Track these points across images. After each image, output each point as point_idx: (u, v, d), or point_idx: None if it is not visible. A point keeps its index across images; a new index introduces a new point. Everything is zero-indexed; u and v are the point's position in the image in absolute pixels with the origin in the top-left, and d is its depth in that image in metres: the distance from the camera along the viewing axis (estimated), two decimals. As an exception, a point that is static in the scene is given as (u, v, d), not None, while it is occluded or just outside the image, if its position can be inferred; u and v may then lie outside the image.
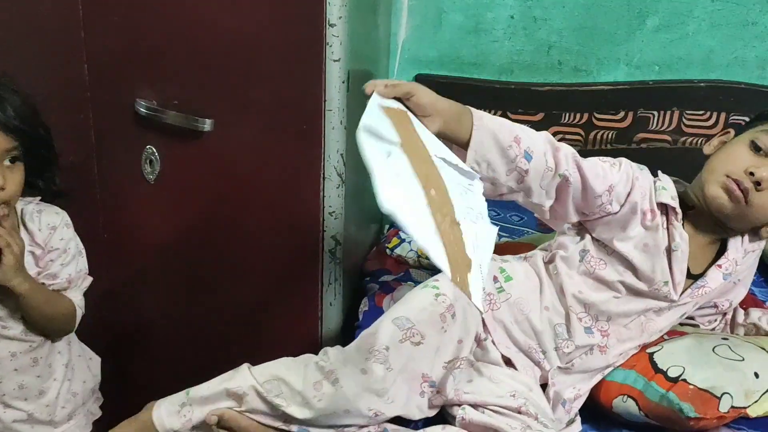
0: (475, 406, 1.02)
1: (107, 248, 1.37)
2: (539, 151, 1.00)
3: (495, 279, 1.13)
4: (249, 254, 1.31)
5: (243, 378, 1.05)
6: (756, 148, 1.06)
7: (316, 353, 1.36)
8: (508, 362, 1.10)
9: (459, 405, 1.03)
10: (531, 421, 0.99)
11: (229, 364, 1.39)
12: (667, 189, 1.09)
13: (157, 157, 1.27)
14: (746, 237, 1.14)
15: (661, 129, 1.66)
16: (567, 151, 1.03)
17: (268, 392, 1.02)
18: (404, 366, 0.99)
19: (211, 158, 1.25)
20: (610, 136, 1.67)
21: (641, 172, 1.10)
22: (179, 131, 1.22)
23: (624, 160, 1.10)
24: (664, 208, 1.09)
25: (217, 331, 1.40)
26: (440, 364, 1.03)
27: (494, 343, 1.09)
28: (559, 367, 1.11)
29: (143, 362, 1.47)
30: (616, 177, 1.07)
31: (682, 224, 1.09)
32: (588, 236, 1.13)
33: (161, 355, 1.45)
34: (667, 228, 1.08)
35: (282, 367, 1.06)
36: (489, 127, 0.98)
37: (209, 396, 1.05)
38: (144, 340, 1.44)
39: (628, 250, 1.08)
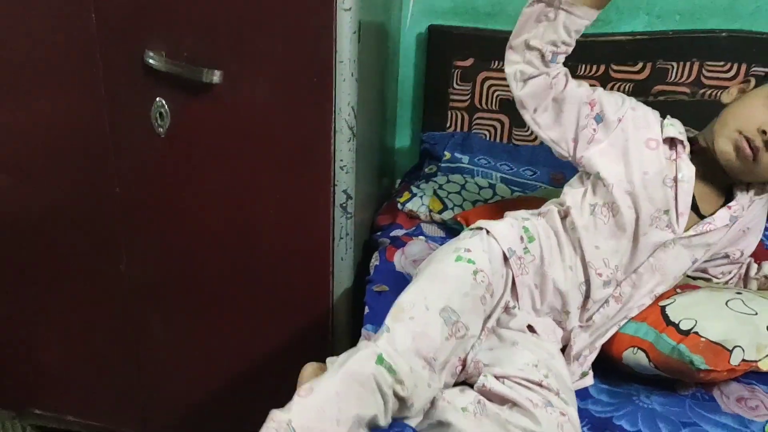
0: (495, 376, 1.00)
1: (121, 202, 1.37)
2: None
3: (521, 239, 1.11)
4: (259, 208, 1.31)
5: None
6: None
7: (328, 309, 1.38)
8: (530, 328, 1.09)
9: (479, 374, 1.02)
10: (552, 397, 0.97)
11: (238, 317, 1.42)
12: (674, 125, 1.13)
13: (167, 111, 1.26)
14: (754, 187, 1.14)
15: (680, 81, 1.62)
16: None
17: None
18: (447, 359, 0.99)
19: (221, 111, 1.23)
20: (627, 88, 1.63)
21: (640, 106, 1.15)
22: (189, 84, 1.20)
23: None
24: (672, 143, 1.11)
25: (227, 287, 1.41)
26: (472, 342, 1.03)
27: (520, 309, 1.09)
28: (580, 326, 1.11)
29: (156, 314, 1.49)
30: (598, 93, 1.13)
31: (690, 158, 1.11)
32: (590, 187, 1.13)
33: (176, 312, 1.47)
34: (675, 160, 1.10)
35: (353, 402, 0.90)
36: None
37: None
38: (157, 291, 1.46)
39: (628, 177, 1.10)
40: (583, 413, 1.01)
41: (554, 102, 1.11)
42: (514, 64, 1.10)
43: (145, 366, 1.54)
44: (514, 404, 0.96)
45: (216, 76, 1.18)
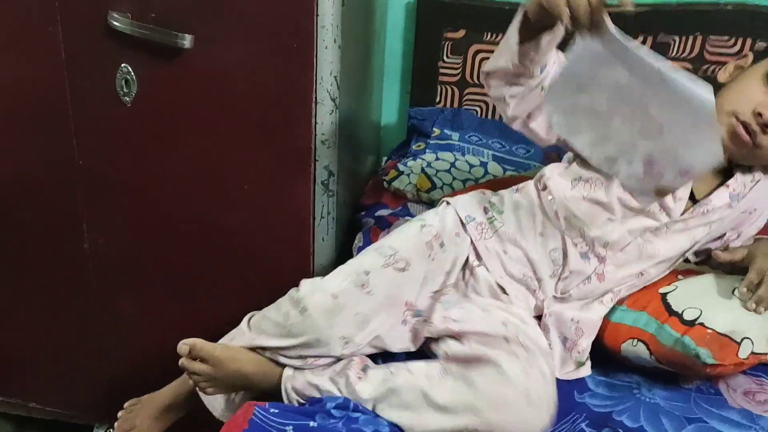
0: (458, 337, 0.98)
1: (83, 175, 1.28)
2: None
3: (485, 210, 1.11)
4: (233, 184, 1.23)
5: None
6: None
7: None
8: (502, 290, 1.06)
9: (441, 339, 1.01)
10: (518, 349, 0.94)
11: (211, 300, 1.34)
12: None
13: (134, 78, 1.17)
14: (759, 167, 1.08)
15: (682, 56, 1.54)
16: None
17: (252, 327, 1.09)
18: (387, 293, 1.00)
19: (192, 79, 1.16)
20: (626, 63, 1.55)
21: None
22: (157, 48, 1.13)
23: None
24: None
25: (199, 267, 1.33)
26: (427, 293, 1.04)
27: (488, 270, 1.06)
28: (555, 297, 1.07)
29: (121, 296, 1.41)
30: None
31: None
32: (575, 163, 1.08)
33: (142, 285, 1.39)
34: None
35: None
36: None
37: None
38: (124, 271, 1.37)
39: None
40: (581, 407, 0.96)
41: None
42: (497, 88, 1.01)
43: (110, 352, 1.47)
44: (479, 360, 0.94)
45: (186, 41, 1.11)
